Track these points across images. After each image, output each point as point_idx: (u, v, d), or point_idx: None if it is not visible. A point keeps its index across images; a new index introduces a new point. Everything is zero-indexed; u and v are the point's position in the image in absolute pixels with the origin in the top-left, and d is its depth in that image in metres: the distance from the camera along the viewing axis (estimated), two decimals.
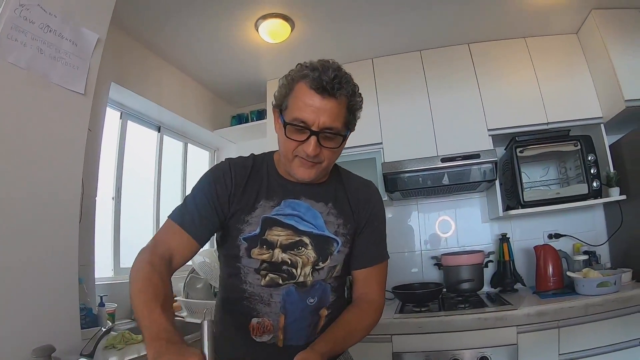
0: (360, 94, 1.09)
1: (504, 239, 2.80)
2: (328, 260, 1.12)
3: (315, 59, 1.08)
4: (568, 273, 2.37)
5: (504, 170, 2.79)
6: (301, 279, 1.10)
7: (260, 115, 3.50)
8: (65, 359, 1.35)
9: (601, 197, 2.52)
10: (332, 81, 1.00)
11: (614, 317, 2.11)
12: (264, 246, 1.09)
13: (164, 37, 2.60)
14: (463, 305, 2.39)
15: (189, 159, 3.51)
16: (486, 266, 2.74)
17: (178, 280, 2.83)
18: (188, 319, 2.45)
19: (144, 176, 3.01)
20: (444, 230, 3.09)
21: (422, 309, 2.40)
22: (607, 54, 2.50)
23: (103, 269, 2.39)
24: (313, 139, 1.02)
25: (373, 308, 1.15)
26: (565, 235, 2.82)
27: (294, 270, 1.10)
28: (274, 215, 1.11)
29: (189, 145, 3.51)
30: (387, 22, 2.64)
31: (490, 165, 2.59)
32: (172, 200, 3.25)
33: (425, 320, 2.22)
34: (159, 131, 3.09)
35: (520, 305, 2.21)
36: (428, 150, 2.78)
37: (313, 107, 1.01)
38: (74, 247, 1.61)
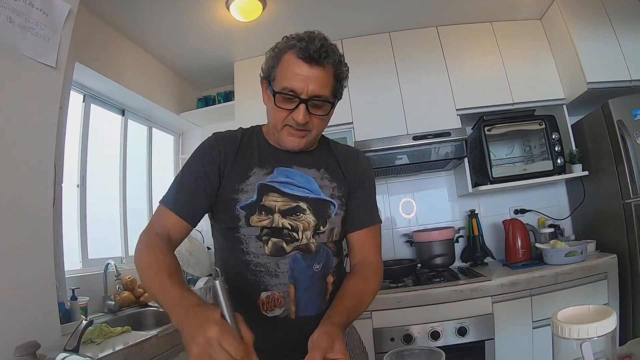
0: (346, 63, 1.11)
1: (472, 214, 2.91)
2: (327, 224, 1.13)
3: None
4: (537, 244, 2.51)
5: (471, 148, 2.88)
6: (304, 241, 1.10)
7: (228, 97, 3.43)
8: (51, 356, 1.26)
9: (565, 173, 2.67)
10: (319, 50, 1.01)
11: (582, 285, 2.26)
12: (263, 212, 1.08)
13: (129, 15, 2.47)
14: (438, 279, 2.46)
15: (154, 144, 3.39)
16: (457, 241, 2.85)
17: None
18: (162, 309, 2.39)
19: (109, 162, 2.89)
20: (413, 208, 3.16)
21: (399, 285, 2.45)
22: (570, 39, 2.64)
23: (70, 261, 2.27)
24: (302, 106, 1.04)
25: (375, 271, 1.16)
26: (530, 211, 2.98)
27: (295, 234, 1.09)
28: (269, 182, 1.11)
29: (154, 129, 3.39)
30: (357, 3, 2.64)
31: (460, 142, 2.68)
32: (138, 187, 3.14)
33: (402, 295, 2.28)
34: (123, 115, 2.96)
35: (493, 277, 2.32)
36: (398, 129, 2.83)
37: (301, 75, 1.02)
38: (49, 235, 1.50)
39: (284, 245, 1.08)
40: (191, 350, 0.72)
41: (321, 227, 1.12)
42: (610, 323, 0.65)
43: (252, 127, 1.24)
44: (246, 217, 1.08)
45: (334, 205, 1.15)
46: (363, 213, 1.21)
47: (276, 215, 1.08)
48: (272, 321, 1.08)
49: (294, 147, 1.11)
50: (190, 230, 1.11)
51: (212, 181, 1.10)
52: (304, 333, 0.99)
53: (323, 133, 1.22)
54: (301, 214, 1.10)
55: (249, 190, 1.09)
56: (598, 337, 0.63)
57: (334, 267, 1.16)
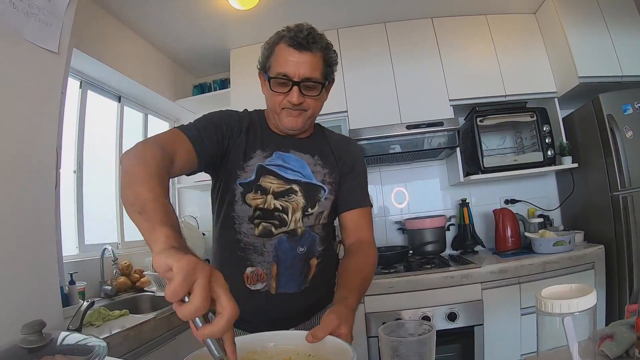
0: (334, 50, 1.21)
1: (463, 203, 2.96)
2: (316, 207, 1.22)
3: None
4: (526, 234, 2.57)
5: (464, 138, 2.93)
6: (292, 225, 1.19)
7: (223, 84, 3.43)
8: (56, 335, 1.28)
9: (555, 165, 2.73)
10: (307, 37, 1.12)
11: (569, 274, 2.33)
12: (258, 192, 1.18)
13: (126, 2, 2.46)
14: (429, 266, 2.52)
15: (149, 131, 3.38)
16: (448, 229, 2.91)
17: (146, 255, 2.78)
18: (158, 294, 2.43)
19: (105, 149, 2.89)
20: (405, 197, 3.21)
21: (391, 271, 2.51)
22: (563, 34, 2.68)
23: (66, 247, 2.28)
24: (295, 88, 1.14)
25: (370, 248, 1.23)
26: (520, 201, 3.04)
27: (285, 217, 1.19)
28: (267, 164, 1.20)
29: (149, 116, 3.39)
30: None
31: (452, 132, 2.72)
32: None
33: (395, 280, 2.34)
34: (119, 101, 2.97)
35: (483, 264, 2.37)
36: (392, 118, 2.87)
37: (293, 61, 1.13)
38: (51, 218, 1.52)
39: (273, 229, 1.18)
40: (179, 264, 0.60)
41: (309, 208, 1.21)
42: (591, 299, 0.69)
43: (256, 110, 1.32)
44: (242, 193, 1.17)
45: (324, 190, 1.24)
46: (355, 194, 1.29)
47: (269, 197, 1.18)
48: (254, 294, 1.19)
49: (293, 126, 1.19)
50: (192, 169, 1.09)
51: (224, 136, 1.17)
52: (281, 308, 1.19)
53: (319, 121, 1.31)
54: (293, 195, 1.19)
55: (248, 170, 1.18)
56: (579, 312, 0.67)
57: (320, 250, 1.25)
